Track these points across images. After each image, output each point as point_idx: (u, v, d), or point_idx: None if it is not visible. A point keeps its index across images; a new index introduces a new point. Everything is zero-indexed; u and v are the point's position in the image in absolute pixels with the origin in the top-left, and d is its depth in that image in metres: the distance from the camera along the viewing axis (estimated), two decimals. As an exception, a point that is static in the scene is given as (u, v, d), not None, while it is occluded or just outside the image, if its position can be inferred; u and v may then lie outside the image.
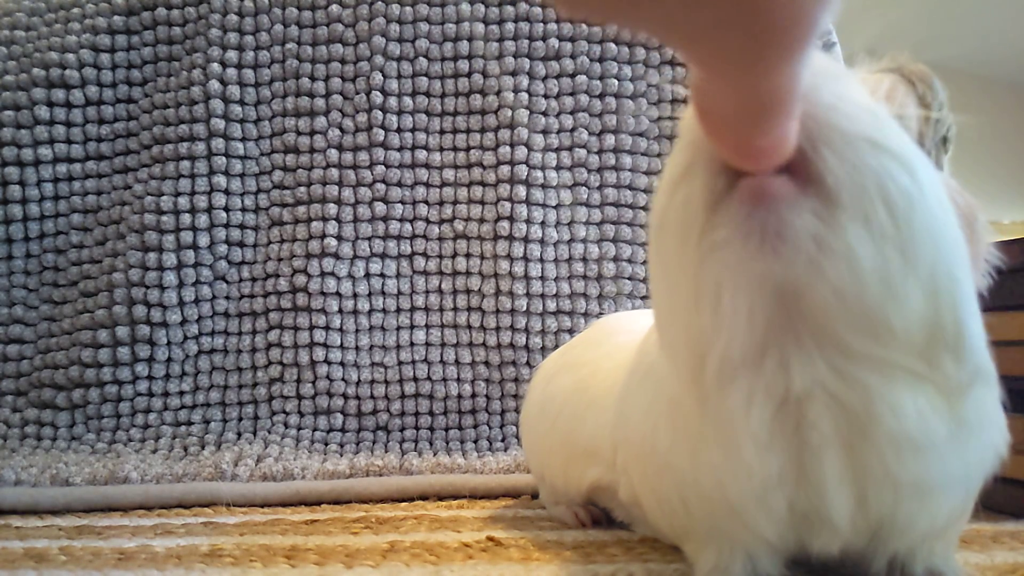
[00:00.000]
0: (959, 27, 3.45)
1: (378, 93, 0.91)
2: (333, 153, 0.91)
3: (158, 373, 0.88)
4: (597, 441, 0.48)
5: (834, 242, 0.26)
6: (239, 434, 0.85)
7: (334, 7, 0.92)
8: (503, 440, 0.86)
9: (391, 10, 0.92)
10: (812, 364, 0.28)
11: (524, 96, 0.91)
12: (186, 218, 0.89)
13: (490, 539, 0.49)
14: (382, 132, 0.91)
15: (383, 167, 0.91)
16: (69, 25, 0.94)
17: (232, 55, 0.92)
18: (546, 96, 0.92)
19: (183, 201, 0.89)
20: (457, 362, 0.89)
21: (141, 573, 0.43)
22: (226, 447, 0.80)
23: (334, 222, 0.90)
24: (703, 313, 0.28)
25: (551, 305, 0.89)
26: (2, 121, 0.91)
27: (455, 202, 0.91)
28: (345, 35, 0.92)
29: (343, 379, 0.87)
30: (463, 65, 0.92)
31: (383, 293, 0.90)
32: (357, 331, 0.89)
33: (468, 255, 0.91)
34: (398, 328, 0.89)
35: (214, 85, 0.90)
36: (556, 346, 0.69)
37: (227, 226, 0.91)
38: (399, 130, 0.92)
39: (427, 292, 0.90)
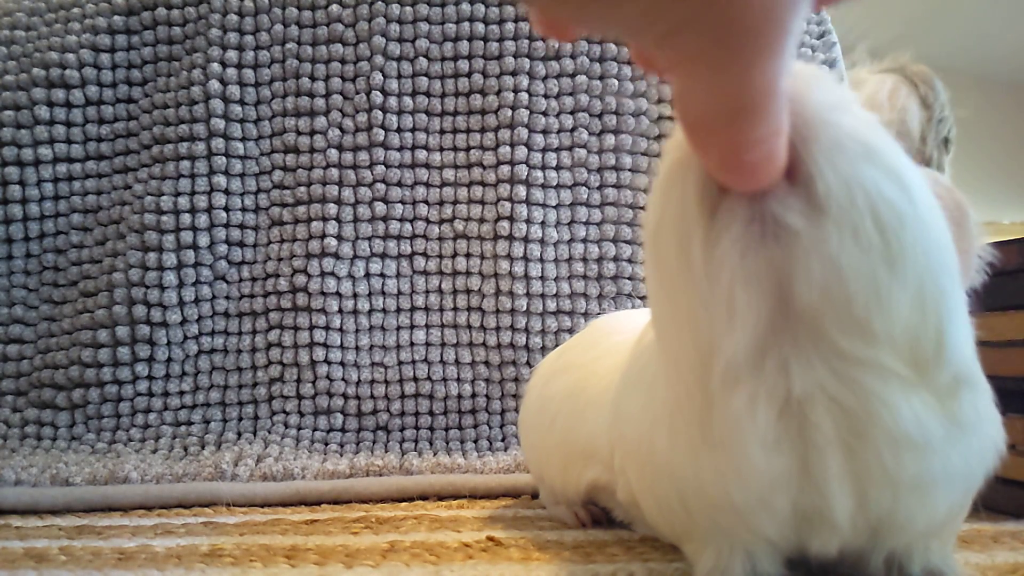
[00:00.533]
0: (959, 27, 3.45)
1: (378, 93, 0.91)
2: (333, 153, 0.91)
3: (158, 373, 0.88)
4: (594, 441, 0.48)
5: (819, 245, 0.27)
6: (239, 434, 0.85)
7: (334, 7, 0.92)
8: (503, 440, 0.86)
9: (391, 10, 0.92)
10: (810, 366, 0.28)
11: (524, 96, 0.91)
12: (186, 218, 0.89)
13: (490, 539, 0.49)
14: (382, 132, 0.91)
15: (383, 167, 0.91)
16: (69, 25, 0.94)
17: (232, 55, 0.92)
18: (546, 96, 0.92)
19: (183, 201, 0.89)
20: (457, 362, 0.89)
21: (141, 573, 0.43)
22: (226, 447, 0.80)
23: (334, 222, 0.90)
24: (713, 310, 0.28)
25: (551, 305, 0.89)
26: (2, 121, 0.91)
27: (455, 202, 0.91)
28: (345, 35, 0.92)
29: (343, 379, 0.87)
30: (463, 65, 0.92)
31: (383, 293, 0.90)
32: (357, 331, 0.89)
33: (468, 255, 0.91)
34: (398, 328, 0.89)
35: (214, 85, 0.90)
36: (556, 346, 0.69)
37: (227, 226, 0.91)
38: (399, 130, 0.92)
39: (427, 292, 0.90)
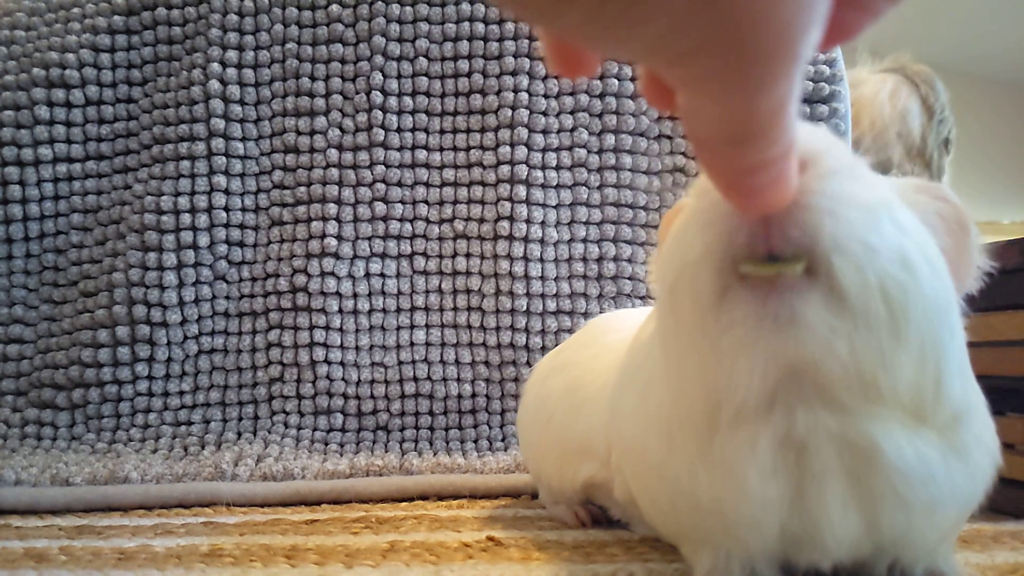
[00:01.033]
0: (959, 27, 3.45)
1: (378, 93, 0.91)
2: (333, 153, 0.91)
3: (158, 373, 0.88)
4: (591, 438, 0.49)
5: (834, 334, 0.29)
6: (239, 434, 0.85)
7: (334, 7, 0.92)
8: (503, 440, 0.86)
9: (391, 10, 0.92)
10: (815, 414, 0.30)
11: (524, 96, 0.91)
12: (186, 218, 0.89)
13: (490, 539, 0.49)
14: (382, 132, 0.91)
15: (383, 167, 0.91)
16: (69, 25, 0.94)
17: (232, 55, 0.91)
18: (546, 96, 0.92)
19: (183, 201, 0.89)
20: (457, 362, 0.89)
21: (141, 573, 0.43)
22: (226, 447, 0.80)
23: (334, 222, 0.90)
24: (720, 376, 0.30)
25: (551, 305, 0.89)
26: (2, 121, 0.91)
27: (455, 202, 0.91)
28: (345, 35, 0.92)
29: (343, 379, 0.87)
30: (463, 65, 0.92)
31: (383, 293, 0.90)
32: (357, 331, 0.89)
33: (468, 255, 0.91)
34: (398, 328, 0.89)
35: (214, 85, 0.90)
36: (556, 346, 0.69)
37: (227, 226, 0.91)
38: (399, 130, 0.92)
39: (427, 292, 0.90)
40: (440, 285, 0.90)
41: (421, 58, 0.92)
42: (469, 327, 0.89)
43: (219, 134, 0.90)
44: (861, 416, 0.30)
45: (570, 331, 0.87)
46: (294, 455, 0.79)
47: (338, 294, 0.89)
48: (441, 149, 0.92)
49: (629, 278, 0.90)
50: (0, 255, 0.91)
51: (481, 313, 0.89)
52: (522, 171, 0.90)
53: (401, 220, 0.91)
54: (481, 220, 0.91)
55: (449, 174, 0.91)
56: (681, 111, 0.23)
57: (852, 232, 0.28)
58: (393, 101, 0.92)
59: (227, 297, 0.90)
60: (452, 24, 0.92)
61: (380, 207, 0.91)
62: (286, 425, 0.86)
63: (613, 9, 0.19)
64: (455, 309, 0.90)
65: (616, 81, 0.92)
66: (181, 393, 0.87)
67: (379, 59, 0.91)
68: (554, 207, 0.91)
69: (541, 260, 0.90)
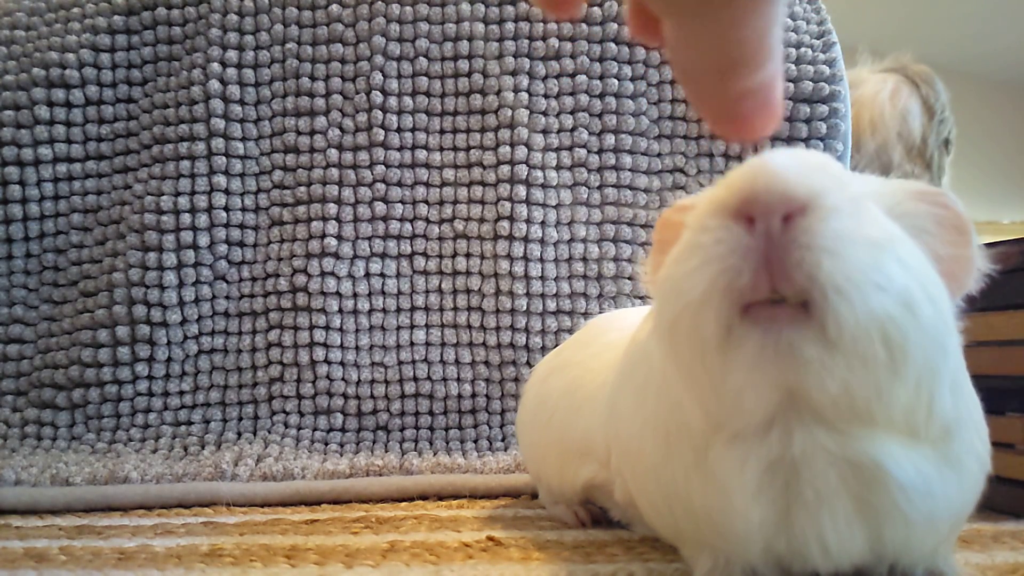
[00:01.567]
0: (959, 27, 3.45)
1: (378, 93, 0.91)
2: (333, 153, 0.91)
3: (158, 373, 0.87)
4: (590, 439, 0.49)
5: (830, 369, 0.29)
6: (239, 434, 0.85)
7: (334, 7, 0.92)
8: (503, 440, 0.86)
9: (391, 10, 0.92)
10: (813, 436, 0.30)
11: (524, 96, 0.91)
12: (186, 218, 0.89)
13: (490, 539, 0.49)
14: (382, 132, 0.91)
15: (383, 167, 0.91)
16: (69, 25, 0.94)
17: (232, 55, 0.91)
18: (546, 96, 0.92)
19: (183, 201, 0.89)
20: (457, 362, 0.89)
21: (141, 573, 0.43)
22: (226, 447, 0.80)
23: (334, 222, 0.90)
24: (722, 405, 0.31)
25: (551, 305, 0.89)
26: (2, 121, 0.91)
27: (455, 202, 0.91)
28: (345, 35, 0.92)
29: (343, 379, 0.87)
30: (463, 65, 0.92)
31: (383, 293, 0.90)
32: (357, 331, 0.89)
33: (468, 255, 0.91)
34: (398, 328, 0.89)
35: (214, 85, 0.90)
36: (556, 346, 0.69)
37: (227, 226, 0.91)
38: (399, 130, 0.92)
39: (427, 292, 0.90)
40: (440, 285, 0.90)
41: (421, 58, 0.92)
42: (469, 327, 0.89)
43: (219, 134, 0.90)
44: (859, 437, 0.30)
45: (570, 331, 0.87)
46: (294, 455, 0.79)
47: (338, 294, 0.89)
48: (441, 149, 0.92)
49: (629, 278, 0.90)
50: (0, 255, 0.91)
51: (481, 313, 0.89)
52: (522, 171, 0.90)
53: (401, 220, 0.91)
54: (481, 220, 0.91)
55: (449, 174, 0.91)
56: (667, 42, 0.23)
57: (853, 273, 0.28)
58: (393, 101, 0.92)
59: (227, 297, 0.90)
60: (452, 24, 0.92)
61: (380, 207, 0.91)
62: (286, 425, 0.86)
63: None
64: (455, 309, 0.90)
65: (616, 81, 0.92)
66: (181, 393, 0.87)
67: (379, 59, 0.91)
68: (554, 207, 0.91)
69: (541, 260, 0.90)
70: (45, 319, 0.91)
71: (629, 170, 0.92)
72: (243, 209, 0.91)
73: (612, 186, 0.92)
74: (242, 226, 0.91)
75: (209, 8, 0.92)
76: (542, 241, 0.90)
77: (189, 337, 0.88)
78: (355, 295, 0.89)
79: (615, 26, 0.92)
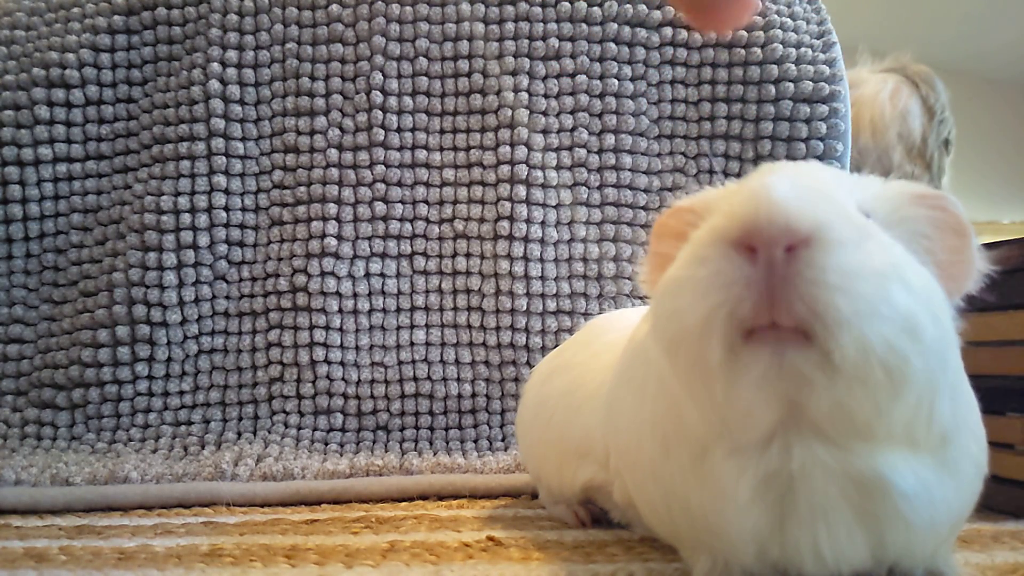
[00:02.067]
0: (959, 27, 3.45)
1: (378, 93, 0.91)
2: (333, 153, 0.91)
3: (158, 373, 0.87)
4: (589, 439, 0.49)
5: (831, 392, 0.29)
6: (239, 434, 0.85)
7: (334, 7, 0.92)
8: (503, 440, 0.86)
9: (391, 10, 0.92)
10: (811, 451, 0.31)
11: (524, 96, 0.91)
12: (186, 218, 0.89)
13: (490, 539, 0.49)
14: (382, 132, 0.91)
15: (383, 167, 0.91)
16: (69, 25, 0.94)
17: (232, 55, 0.91)
18: (546, 96, 0.92)
19: (183, 201, 0.89)
20: (457, 362, 0.89)
21: (141, 573, 0.43)
22: (226, 447, 0.80)
23: (334, 222, 0.90)
24: (728, 416, 0.31)
25: (551, 305, 0.89)
26: (2, 121, 0.91)
27: (455, 202, 0.91)
28: (345, 35, 0.92)
29: (343, 379, 0.87)
30: (463, 65, 0.92)
31: (383, 293, 0.90)
32: (357, 331, 0.89)
33: (468, 255, 0.91)
34: (398, 328, 0.89)
35: (214, 85, 0.90)
36: (556, 346, 0.69)
37: (227, 226, 0.90)
38: (399, 130, 0.92)
39: (427, 292, 0.90)
40: (440, 285, 0.90)
41: (421, 58, 0.92)
42: (469, 327, 0.89)
43: (219, 134, 0.90)
44: (859, 453, 0.31)
45: (570, 331, 0.87)
46: (294, 455, 0.79)
47: (338, 294, 0.89)
48: (441, 149, 0.92)
49: (629, 278, 0.90)
50: (0, 255, 0.91)
51: (481, 313, 0.89)
52: (522, 171, 0.90)
53: (401, 220, 0.91)
54: (481, 220, 0.91)
55: (449, 174, 0.91)
56: None
57: (858, 307, 0.28)
58: (393, 101, 0.92)
59: (227, 297, 0.90)
60: (452, 24, 0.92)
61: (380, 207, 0.91)
62: (286, 425, 0.86)
63: None
64: (455, 309, 0.90)
65: (616, 81, 0.92)
66: (181, 393, 0.87)
67: (379, 59, 0.91)
68: (554, 207, 0.91)
69: (541, 260, 0.90)
70: (45, 319, 0.91)
71: (629, 170, 0.92)
72: (243, 209, 0.91)
73: (612, 186, 0.92)
74: (242, 226, 0.91)
75: (209, 8, 0.92)
76: (542, 241, 0.90)
77: (189, 337, 0.88)
78: (355, 295, 0.89)
79: (615, 26, 0.92)
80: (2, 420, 0.86)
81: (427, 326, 0.90)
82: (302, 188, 0.91)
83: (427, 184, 0.92)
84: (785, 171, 0.32)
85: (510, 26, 0.92)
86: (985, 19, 3.39)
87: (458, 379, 0.88)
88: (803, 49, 0.91)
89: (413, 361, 0.88)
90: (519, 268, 0.89)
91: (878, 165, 1.25)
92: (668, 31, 0.92)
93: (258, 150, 0.93)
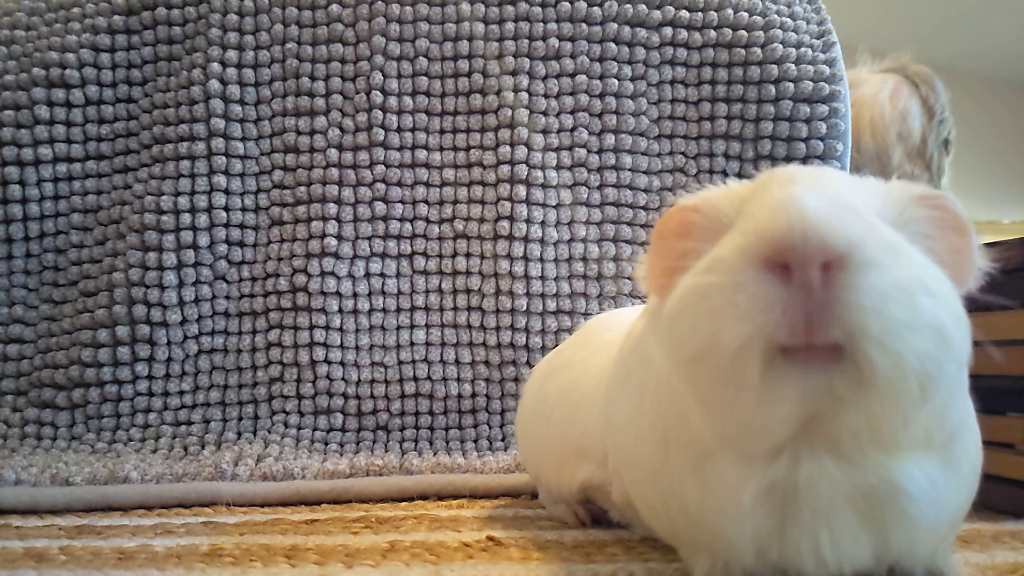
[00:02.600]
0: (960, 27, 3.45)
1: (378, 93, 0.91)
2: (333, 153, 0.91)
3: (158, 373, 0.87)
4: (587, 439, 0.49)
5: (863, 408, 0.30)
6: (239, 434, 0.85)
7: (334, 7, 0.92)
8: (503, 440, 0.86)
9: (391, 10, 0.92)
10: (820, 464, 0.31)
11: (524, 96, 0.91)
12: (186, 218, 0.89)
13: (490, 539, 0.49)
14: (382, 132, 0.91)
15: (383, 167, 0.91)
16: (69, 25, 0.94)
17: (232, 55, 0.91)
18: (546, 96, 0.92)
19: (183, 201, 0.89)
20: (457, 362, 0.89)
21: (141, 573, 0.43)
22: (226, 447, 0.80)
23: (334, 222, 0.90)
24: (741, 430, 0.31)
25: (551, 305, 0.89)
26: (2, 121, 0.91)
27: (455, 202, 0.91)
28: (345, 35, 0.92)
29: (343, 379, 0.87)
30: (463, 65, 0.92)
31: (383, 293, 0.90)
32: (357, 331, 0.89)
33: (468, 255, 0.91)
34: (398, 328, 0.89)
35: (214, 85, 0.90)
36: (556, 346, 0.69)
37: (227, 226, 0.90)
38: (399, 130, 0.92)
39: (427, 292, 0.90)
40: (440, 285, 0.90)
41: (421, 58, 0.92)
42: (469, 327, 0.89)
43: (219, 134, 0.90)
44: (870, 467, 0.31)
45: (570, 331, 0.87)
46: (294, 455, 0.79)
47: (338, 294, 0.89)
48: (441, 149, 0.92)
49: (629, 278, 0.90)
50: (0, 255, 0.91)
51: (481, 313, 0.89)
52: (522, 171, 0.90)
53: (401, 220, 0.91)
54: (481, 220, 0.91)
55: (449, 174, 0.91)
56: None
57: (892, 327, 0.29)
58: (393, 101, 0.92)
59: (227, 297, 0.90)
60: (452, 24, 0.92)
61: (380, 207, 0.91)
62: (286, 425, 0.86)
63: None
64: (455, 309, 0.90)
65: (616, 81, 0.92)
66: (181, 393, 0.87)
67: (379, 59, 0.91)
68: (554, 207, 0.91)
69: (541, 260, 0.90)
70: (45, 319, 0.91)
71: (629, 170, 0.92)
72: (243, 209, 0.91)
73: (612, 186, 0.92)
74: (242, 226, 0.91)
75: (209, 8, 0.92)
76: (542, 241, 0.90)
77: (189, 337, 0.88)
78: (355, 295, 0.89)
79: (615, 26, 0.92)
80: (2, 420, 0.86)
81: (427, 326, 0.90)
82: (302, 188, 0.91)
83: (427, 184, 0.92)
84: (806, 181, 0.32)
85: (510, 26, 0.92)
86: (985, 19, 3.39)
87: (458, 379, 0.88)
88: (803, 49, 0.91)
89: (413, 361, 0.88)
90: (519, 268, 0.89)
91: (878, 165, 1.25)
92: (668, 31, 0.92)
93: (258, 150, 0.93)
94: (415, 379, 0.88)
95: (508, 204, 0.90)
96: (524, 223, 0.89)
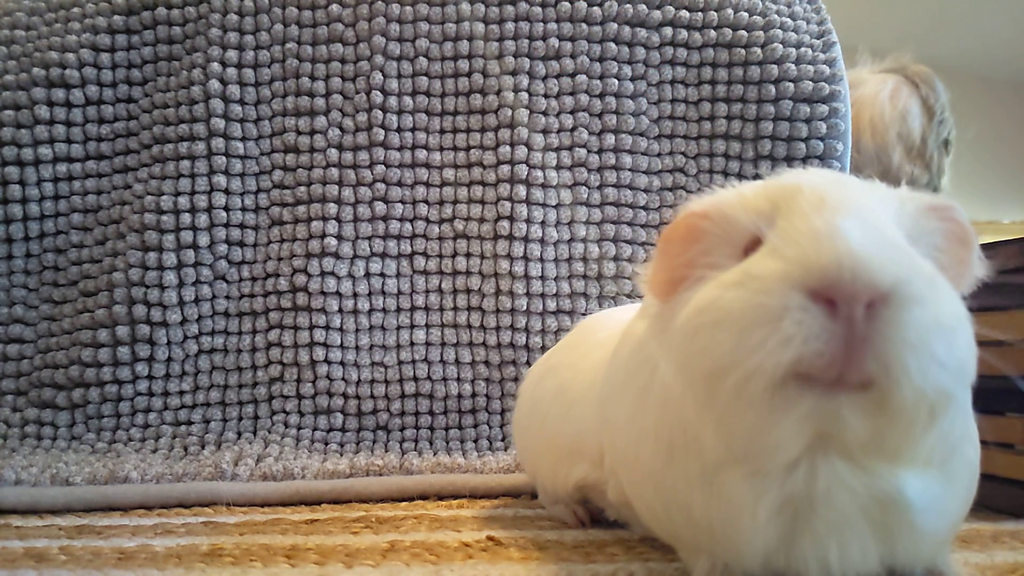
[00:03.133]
0: (960, 27, 3.45)
1: (378, 93, 0.91)
2: (333, 153, 0.91)
3: (158, 373, 0.87)
4: (582, 438, 0.49)
5: (872, 427, 0.30)
6: (239, 434, 0.85)
7: (334, 7, 0.92)
8: (503, 440, 0.86)
9: (391, 10, 0.92)
10: (837, 474, 0.31)
11: (524, 96, 0.91)
12: (186, 218, 0.89)
13: (490, 539, 0.49)
14: (382, 132, 0.91)
15: (383, 167, 0.91)
16: (69, 25, 0.94)
17: (232, 55, 0.91)
18: (546, 96, 0.92)
19: (183, 201, 0.89)
20: (457, 362, 0.89)
21: (141, 573, 0.43)
22: (226, 447, 0.80)
23: (334, 222, 0.90)
24: (753, 446, 0.31)
25: (551, 305, 0.89)
26: (2, 121, 0.91)
27: (455, 202, 0.91)
28: (345, 35, 0.92)
29: (343, 379, 0.87)
30: (463, 65, 0.92)
31: (383, 293, 0.90)
32: (357, 331, 0.89)
33: (468, 255, 0.91)
34: (398, 328, 0.89)
35: (214, 85, 0.90)
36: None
37: (227, 226, 0.90)
38: (399, 130, 0.92)
39: (427, 292, 0.90)
40: (440, 285, 0.90)
41: (421, 58, 0.92)
42: (469, 327, 0.89)
43: (219, 134, 0.90)
44: (882, 475, 0.31)
45: (570, 331, 0.87)
46: (294, 455, 0.79)
47: (338, 294, 0.89)
48: (441, 149, 0.92)
49: (629, 278, 0.90)
50: (0, 255, 0.91)
51: (481, 313, 0.89)
52: (522, 171, 0.90)
53: (401, 220, 0.91)
54: (481, 220, 0.91)
55: (449, 174, 0.91)
56: None
57: (931, 364, 0.29)
58: (393, 101, 0.92)
59: (227, 297, 0.90)
60: (452, 24, 0.92)
61: (380, 207, 0.91)
62: (286, 425, 0.86)
63: None
64: (455, 309, 0.90)
65: (616, 81, 0.92)
66: (181, 393, 0.87)
67: (379, 59, 0.91)
68: (554, 207, 0.91)
69: (541, 260, 0.90)
70: (45, 319, 0.91)
71: (629, 170, 0.92)
72: (243, 209, 0.91)
73: (612, 186, 0.92)
74: (242, 226, 0.91)
75: (209, 8, 0.92)
76: (542, 241, 0.90)
77: (189, 337, 0.88)
78: (355, 295, 0.89)
79: (615, 26, 0.92)
80: (2, 420, 0.86)
81: (427, 326, 0.90)
82: (302, 188, 0.91)
83: (427, 184, 0.92)
84: (841, 206, 0.32)
85: (510, 26, 0.92)
86: (985, 19, 3.39)
87: (458, 379, 0.88)
88: (803, 49, 0.91)
89: (413, 361, 0.88)
90: (519, 268, 0.89)
91: (878, 165, 1.25)
92: (668, 31, 0.92)
93: (258, 150, 0.93)
94: (415, 379, 0.88)
95: (508, 204, 0.90)
96: (524, 223, 0.89)
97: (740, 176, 0.92)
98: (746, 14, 0.92)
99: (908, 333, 0.29)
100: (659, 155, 0.93)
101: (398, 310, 0.90)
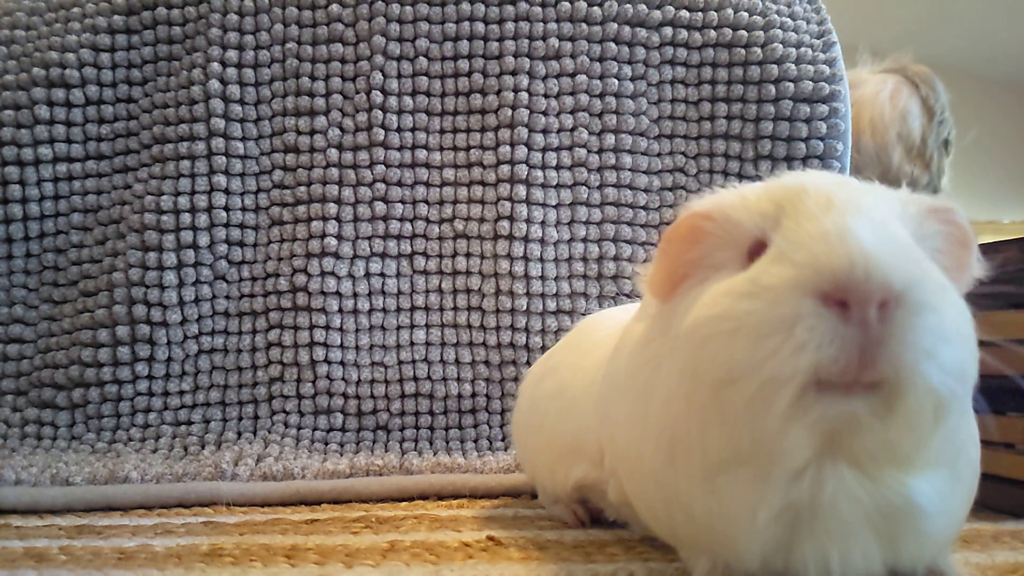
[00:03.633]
0: (960, 27, 3.45)
1: (378, 93, 0.91)
2: (333, 153, 0.91)
3: (158, 373, 0.87)
4: (581, 438, 0.49)
5: (882, 432, 0.30)
6: (239, 434, 0.85)
7: (334, 7, 0.92)
8: (503, 440, 0.86)
9: (391, 10, 0.92)
10: (844, 482, 0.31)
11: (524, 96, 0.91)
12: (186, 218, 0.89)
13: (490, 539, 0.49)
14: (382, 132, 0.91)
15: (383, 167, 0.91)
16: (69, 25, 0.94)
17: (232, 55, 0.91)
18: (546, 96, 0.92)
19: (183, 201, 0.89)
20: (457, 362, 0.89)
21: (141, 573, 0.43)
22: (226, 447, 0.80)
23: (334, 222, 0.90)
24: (760, 451, 0.31)
25: (551, 305, 0.89)
26: (2, 121, 0.91)
27: (455, 202, 0.91)
28: (345, 35, 0.92)
29: (343, 379, 0.87)
30: (463, 65, 0.92)
31: (383, 293, 0.90)
32: (357, 331, 0.89)
33: (468, 255, 0.91)
34: (398, 328, 0.89)
35: (214, 85, 0.90)
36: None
37: (227, 226, 0.90)
38: (399, 130, 0.92)
39: (427, 292, 0.90)
40: (440, 285, 0.90)
41: (421, 58, 0.92)
42: (469, 327, 0.89)
43: (219, 134, 0.90)
44: (890, 483, 0.31)
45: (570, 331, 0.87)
46: (294, 455, 0.79)
47: (338, 294, 0.89)
48: (441, 149, 0.92)
49: (629, 278, 0.90)
50: (0, 255, 0.91)
51: (481, 313, 0.89)
52: (522, 171, 0.90)
53: (401, 220, 0.91)
54: (481, 220, 0.91)
55: (449, 174, 0.91)
56: None
57: (940, 369, 0.30)
58: (393, 101, 0.92)
59: (227, 297, 0.90)
60: (452, 24, 0.92)
61: (380, 207, 0.91)
62: (286, 425, 0.86)
63: None
64: (455, 309, 0.90)
65: (616, 81, 0.92)
66: (181, 393, 0.87)
67: (379, 59, 0.91)
68: (554, 207, 0.91)
69: (541, 260, 0.90)
70: (45, 319, 0.91)
71: (629, 170, 0.92)
72: (243, 209, 0.91)
73: (612, 186, 0.92)
74: (242, 226, 0.91)
75: (209, 8, 0.92)
76: (542, 241, 0.90)
77: (189, 337, 0.88)
78: (355, 295, 0.89)
79: (615, 26, 0.92)
80: (2, 420, 0.86)
81: (427, 326, 0.90)
82: (302, 188, 0.91)
83: (427, 184, 0.92)
84: (849, 207, 0.32)
85: (510, 26, 0.92)
86: (985, 19, 3.39)
87: (458, 379, 0.88)
88: (803, 49, 0.91)
89: (413, 361, 0.88)
90: (519, 268, 0.89)
91: (878, 165, 1.25)
92: (668, 31, 0.92)
93: (258, 150, 0.93)
94: (415, 379, 0.88)
95: (508, 204, 0.90)
96: (524, 223, 0.89)
97: (740, 176, 0.92)
98: (746, 14, 0.92)
99: (921, 338, 0.29)
100: (659, 155, 0.93)
101: (398, 310, 0.90)
